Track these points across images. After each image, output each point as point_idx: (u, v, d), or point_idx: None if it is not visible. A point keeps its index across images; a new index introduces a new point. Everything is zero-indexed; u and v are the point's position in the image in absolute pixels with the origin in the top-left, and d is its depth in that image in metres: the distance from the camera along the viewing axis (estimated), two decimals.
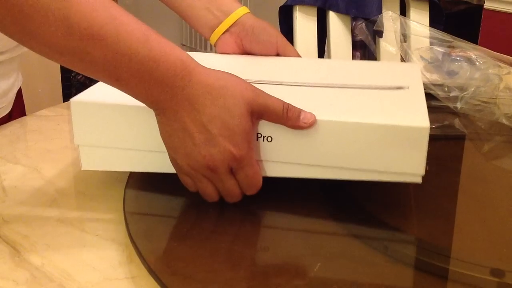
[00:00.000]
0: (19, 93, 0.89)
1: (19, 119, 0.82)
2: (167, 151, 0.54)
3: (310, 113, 0.53)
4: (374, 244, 0.53)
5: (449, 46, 0.95)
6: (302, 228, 0.55)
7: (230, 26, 0.74)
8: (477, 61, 0.93)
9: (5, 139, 0.76)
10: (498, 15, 2.08)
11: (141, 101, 0.52)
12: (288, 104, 0.53)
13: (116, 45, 0.48)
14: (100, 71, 0.50)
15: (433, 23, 1.15)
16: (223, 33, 0.74)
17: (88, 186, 0.63)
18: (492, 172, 0.70)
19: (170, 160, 0.55)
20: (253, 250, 0.52)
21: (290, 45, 0.75)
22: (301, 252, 0.51)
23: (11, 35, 0.48)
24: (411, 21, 1.00)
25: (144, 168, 0.60)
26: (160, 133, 0.54)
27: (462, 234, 0.55)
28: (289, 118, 0.53)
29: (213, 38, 0.75)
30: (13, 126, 0.80)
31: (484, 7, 2.12)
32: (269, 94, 0.54)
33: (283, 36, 0.75)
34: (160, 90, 0.50)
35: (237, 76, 0.54)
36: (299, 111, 0.53)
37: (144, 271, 0.48)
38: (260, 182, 0.54)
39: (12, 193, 0.61)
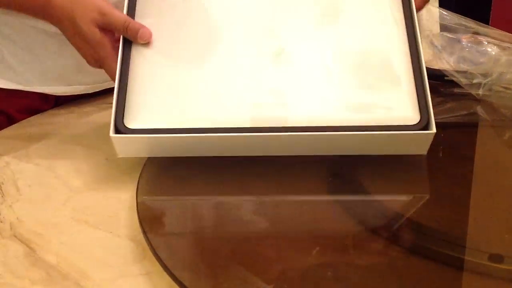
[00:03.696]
0: None
1: (31, 118, 0.83)
2: None
3: (149, 31, 0.65)
4: (380, 230, 0.53)
5: (474, 33, 0.93)
6: (310, 219, 0.55)
7: None
8: (489, 47, 0.91)
9: (17, 138, 0.76)
10: None
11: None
12: (129, 23, 0.65)
13: None
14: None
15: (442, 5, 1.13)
16: None
17: (101, 184, 0.63)
18: None
19: None
20: (264, 245, 0.52)
21: None
22: (310, 244, 0.51)
23: None
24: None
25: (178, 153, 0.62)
26: None
27: (474, 221, 0.55)
28: (128, 34, 0.65)
29: None
30: (24, 125, 0.81)
31: None
32: (114, 11, 0.66)
33: None
34: (40, 16, 0.71)
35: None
36: (138, 28, 0.65)
37: (158, 267, 0.48)
38: (114, 75, 0.65)
39: (26, 192, 0.62)
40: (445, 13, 0.97)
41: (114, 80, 0.65)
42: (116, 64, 0.65)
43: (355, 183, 0.62)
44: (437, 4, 1.10)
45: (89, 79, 0.88)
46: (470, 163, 0.67)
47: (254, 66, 0.62)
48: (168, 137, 0.59)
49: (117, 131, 0.60)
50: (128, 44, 0.65)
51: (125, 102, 0.61)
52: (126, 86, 0.62)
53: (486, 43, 0.93)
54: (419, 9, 0.68)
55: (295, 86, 0.61)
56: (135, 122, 0.60)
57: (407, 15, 0.65)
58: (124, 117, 0.60)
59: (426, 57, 0.94)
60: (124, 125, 0.60)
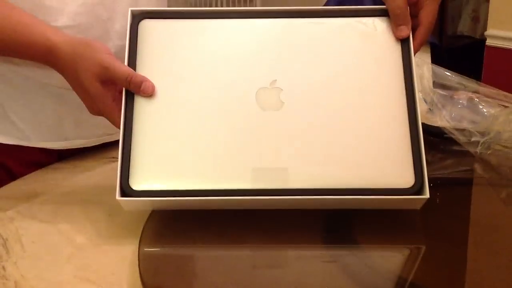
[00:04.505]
0: None
1: (35, 172, 0.85)
2: None
3: (151, 84, 0.66)
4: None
5: (474, 92, 0.96)
6: (305, 275, 0.56)
7: None
8: (481, 105, 0.94)
9: (21, 193, 0.78)
10: (501, 52, 2.10)
11: None
12: (132, 76, 0.66)
13: None
14: None
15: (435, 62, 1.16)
16: None
17: (104, 240, 0.64)
18: (510, 218, 0.71)
19: None
20: None
21: None
22: None
23: None
24: (423, 61, 1.01)
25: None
26: None
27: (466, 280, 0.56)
28: (131, 88, 0.66)
29: None
30: (28, 180, 0.82)
31: (486, 44, 2.15)
32: (117, 64, 0.66)
33: None
34: (43, 63, 0.72)
35: (91, 50, 0.68)
36: (141, 82, 0.66)
37: None
38: (118, 125, 0.66)
39: (30, 249, 0.63)
40: (438, 69, 0.99)
41: (117, 127, 0.66)
42: (117, 115, 0.66)
43: (350, 239, 0.63)
44: (429, 60, 1.13)
45: (87, 134, 0.90)
46: (466, 221, 0.69)
47: (256, 123, 0.64)
48: (171, 199, 0.61)
49: (123, 192, 0.62)
50: (131, 97, 0.66)
51: (129, 163, 0.63)
52: (130, 146, 0.64)
53: (477, 100, 0.96)
54: (417, 50, 0.69)
55: (294, 147, 0.63)
56: (140, 184, 0.62)
57: (407, 79, 0.66)
58: (130, 179, 0.62)
59: (427, 114, 0.97)
60: (130, 187, 0.61)
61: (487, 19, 2.18)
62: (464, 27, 2.98)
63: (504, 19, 2.08)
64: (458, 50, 2.83)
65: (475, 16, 2.94)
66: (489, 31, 2.14)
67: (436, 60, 1.43)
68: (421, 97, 0.94)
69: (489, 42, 2.14)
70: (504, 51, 2.08)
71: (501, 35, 2.09)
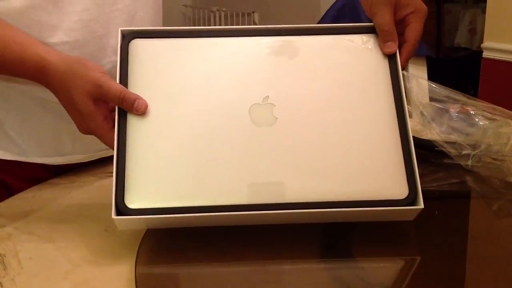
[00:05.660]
0: None
1: (32, 188, 0.85)
2: None
3: (144, 102, 0.66)
4: None
5: (463, 105, 0.97)
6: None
7: None
8: (477, 118, 0.94)
9: (19, 209, 0.78)
10: (497, 64, 2.11)
11: None
12: (125, 94, 0.66)
13: None
14: None
15: (431, 77, 1.17)
16: None
17: (100, 256, 0.65)
18: (501, 230, 0.71)
19: None
20: None
21: None
22: None
23: None
24: (412, 75, 1.02)
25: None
26: None
27: None
28: (124, 106, 0.66)
29: None
30: (26, 196, 0.83)
31: (483, 56, 2.16)
32: (111, 82, 0.67)
33: None
34: (35, 81, 0.71)
35: (84, 68, 0.68)
36: (134, 99, 0.66)
37: None
38: (108, 143, 0.67)
39: (27, 265, 0.64)
40: (434, 85, 1.00)
41: (108, 146, 0.66)
42: (108, 134, 0.67)
43: (347, 253, 0.64)
44: (425, 76, 1.14)
45: (83, 149, 0.90)
46: (460, 233, 0.69)
47: (250, 139, 0.65)
48: (168, 217, 0.62)
49: (118, 211, 0.62)
50: (124, 115, 0.66)
51: (124, 182, 0.63)
52: (124, 165, 0.64)
53: (473, 113, 0.97)
54: (403, 66, 0.71)
55: (289, 162, 0.64)
56: (135, 202, 0.62)
57: (396, 93, 0.68)
58: (125, 198, 0.62)
59: (417, 127, 0.98)
60: (125, 205, 0.62)
61: (483, 31, 2.19)
62: (461, 39, 3.00)
63: (500, 31, 2.09)
64: (455, 62, 2.85)
65: (472, 28, 2.96)
66: (486, 44, 2.15)
67: (433, 73, 1.44)
68: (411, 109, 0.95)
69: (485, 54, 2.15)
70: (501, 63, 2.09)
71: (498, 47, 2.10)
